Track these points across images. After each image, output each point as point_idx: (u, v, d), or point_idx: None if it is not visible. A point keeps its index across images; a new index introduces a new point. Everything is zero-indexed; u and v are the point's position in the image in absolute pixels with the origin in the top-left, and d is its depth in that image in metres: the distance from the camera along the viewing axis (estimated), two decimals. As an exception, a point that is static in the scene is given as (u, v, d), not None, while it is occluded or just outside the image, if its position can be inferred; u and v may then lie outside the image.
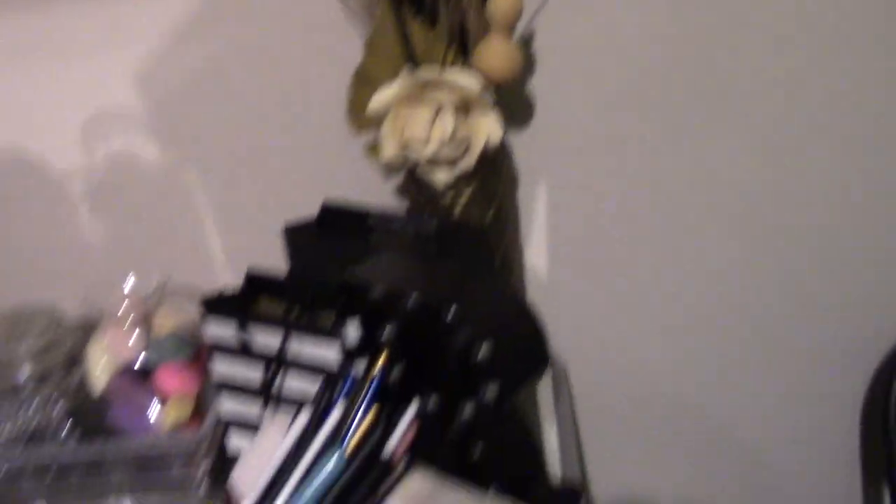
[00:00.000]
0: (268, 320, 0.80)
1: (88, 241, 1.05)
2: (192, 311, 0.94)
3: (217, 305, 0.83)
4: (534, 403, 0.98)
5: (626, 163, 0.99)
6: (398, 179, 0.96)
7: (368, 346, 0.76)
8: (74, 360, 0.92)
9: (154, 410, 0.89)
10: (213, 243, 1.05)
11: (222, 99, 0.99)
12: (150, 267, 0.97)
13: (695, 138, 0.97)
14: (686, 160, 0.98)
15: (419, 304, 0.68)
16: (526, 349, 0.69)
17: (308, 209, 0.91)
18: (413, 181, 0.84)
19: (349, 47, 0.87)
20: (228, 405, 0.87)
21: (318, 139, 1.00)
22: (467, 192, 0.82)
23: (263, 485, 0.73)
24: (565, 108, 0.96)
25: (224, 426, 0.88)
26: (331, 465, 0.70)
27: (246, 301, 0.84)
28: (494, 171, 0.85)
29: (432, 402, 0.73)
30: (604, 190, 1.00)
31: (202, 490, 0.87)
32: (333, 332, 0.76)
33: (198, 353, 0.93)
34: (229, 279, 1.06)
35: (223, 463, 0.88)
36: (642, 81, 0.94)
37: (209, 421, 0.89)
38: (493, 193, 0.85)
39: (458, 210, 0.83)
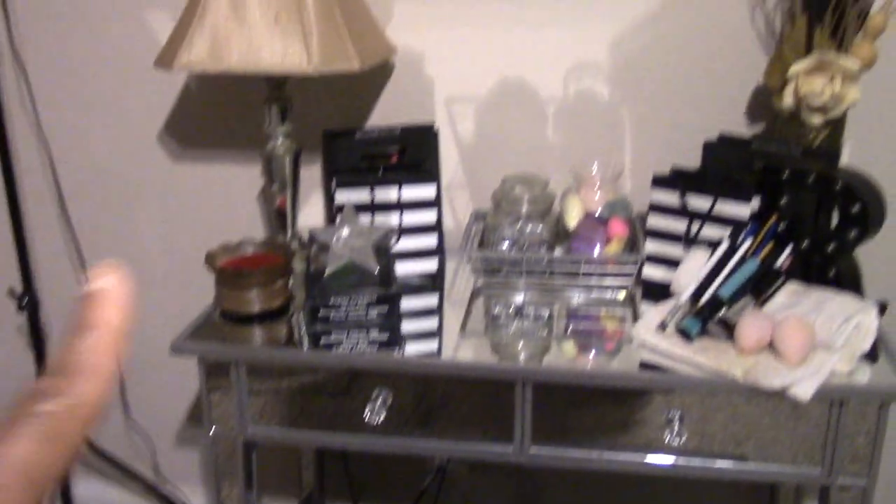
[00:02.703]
0: (699, 190, 1.36)
1: (550, 143, 1.66)
2: (625, 189, 1.56)
3: (663, 181, 1.40)
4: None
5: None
6: (766, 123, 1.53)
7: (767, 208, 1.31)
8: (552, 207, 1.51)
9: (602, 244, 1.46)
10: (626, 152, 1.64)
11: (653, 62, 1.57)
12: (591, 160, 1.55)
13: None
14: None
15: (816, 179, 1.23)
16: (875, 213, 1.23)
17: (704, 135, 1.47)
18: (790, 121, 1.38)
19: (744, 38, 1.46)
20: (652, 246, 1.43)
21: (708, 88, 1.57)
22: (825, 132, 1.36)
23: (702, 277, 1.29)
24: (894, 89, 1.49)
25: (645, 259, 1.44)
26: (751, 266, 1.25)
27: (679, 180, 1.40)
28: (842, 121, 1.38)
29: (805, 243, 1.27)
30: None
31: (626, 291, 1.44)
32: (745, 198, 1.31)
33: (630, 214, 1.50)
34: (632, 177, 1.64)
35: (642, 281, 1.45)
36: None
37: (636, 256, 1.44)
38: (839, 135, 1.38)
39: (815, 143, 1.37)
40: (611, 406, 1.29)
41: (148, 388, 2.03)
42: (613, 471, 1.34)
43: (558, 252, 1.50)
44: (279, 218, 1.56)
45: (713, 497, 1.84)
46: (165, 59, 1.41)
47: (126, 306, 0.54)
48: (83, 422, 0.45)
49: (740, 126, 1.58)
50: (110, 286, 0.54)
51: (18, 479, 0.42)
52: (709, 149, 1.45)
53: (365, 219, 1.48)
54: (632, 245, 1.48)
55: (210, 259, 1.41)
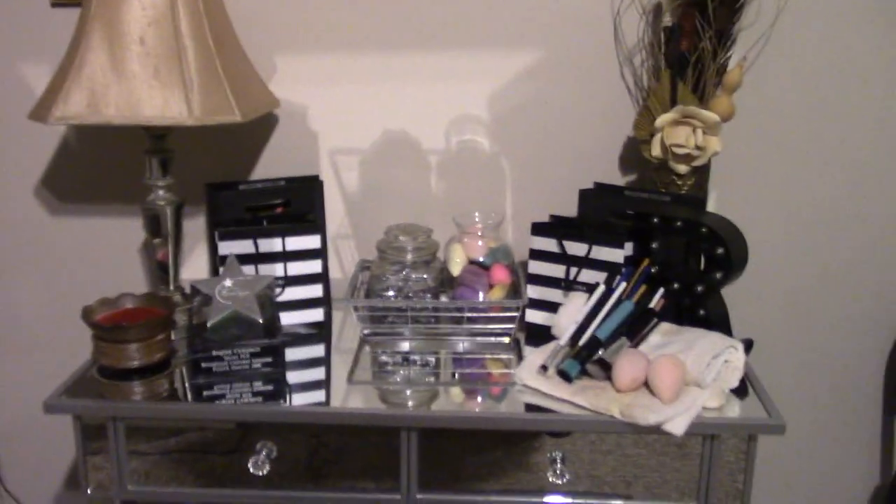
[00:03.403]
0: (576, 237, 1.41)
1: (433, 193, 1.70)
2: (507, 237, 1.61)
3: (541, 228, 1.45)
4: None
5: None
6: (638, 172, 1.62)
7: (640, 253, 1.37)
8: (436, 255, 1.53)
9: (486, 291, 1.49)
10: (507, 201, 1.69)
11: (531, 115, 1.64)
12: (474, 209, 1.59)
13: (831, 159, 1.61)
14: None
15: (684, 224, 1.29)
16: (738, 255, 1.30)
17: (580, 184, 1.53)
18: (659, 170, 1.45)
19: (615, 93, 1.55)
20: (533, 291, 1.47)
21: (583, 140, 1.65)
22: (692, 180, 1.44)
23: (580, 320, 1.33)
24: (753, 140, 1.60)
25: (527, 303, 1.48)
26: (626, 308, 1.30)
27: (557, 227, 1.45)
28: (707, 170, 1.46)
29: (676, 285, 1.33)
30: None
31: (510, 335, 1.47)
32: (619, 244, 1.37)
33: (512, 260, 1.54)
34: (513, 225, 1.70)
35: (525, 325, 1.49)
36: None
37: (518, 301, 1.48)
38: (705, 182, 1.46)
39: (683, 190, 1.45)
40: (500, 451, 1.30)
41: (22, 452, 1.93)
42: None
43: (443, 299, 1.52)
44: (161, 271, 1.54)
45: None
46: (41, 112, 1.38)
47: None
48: None
49: (614, 175, 1.66)
50: None
51: None
52: (584, 197, 1.52)
53: (249, 270, 1.48)
54: (514, 291, 1.51)
55: (87, 314, 1.37)
